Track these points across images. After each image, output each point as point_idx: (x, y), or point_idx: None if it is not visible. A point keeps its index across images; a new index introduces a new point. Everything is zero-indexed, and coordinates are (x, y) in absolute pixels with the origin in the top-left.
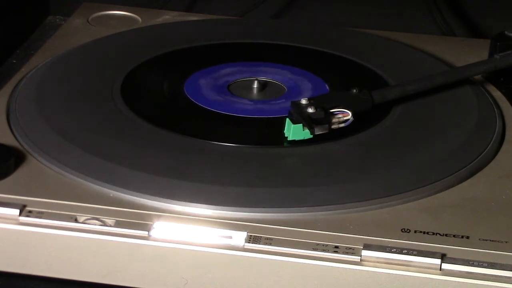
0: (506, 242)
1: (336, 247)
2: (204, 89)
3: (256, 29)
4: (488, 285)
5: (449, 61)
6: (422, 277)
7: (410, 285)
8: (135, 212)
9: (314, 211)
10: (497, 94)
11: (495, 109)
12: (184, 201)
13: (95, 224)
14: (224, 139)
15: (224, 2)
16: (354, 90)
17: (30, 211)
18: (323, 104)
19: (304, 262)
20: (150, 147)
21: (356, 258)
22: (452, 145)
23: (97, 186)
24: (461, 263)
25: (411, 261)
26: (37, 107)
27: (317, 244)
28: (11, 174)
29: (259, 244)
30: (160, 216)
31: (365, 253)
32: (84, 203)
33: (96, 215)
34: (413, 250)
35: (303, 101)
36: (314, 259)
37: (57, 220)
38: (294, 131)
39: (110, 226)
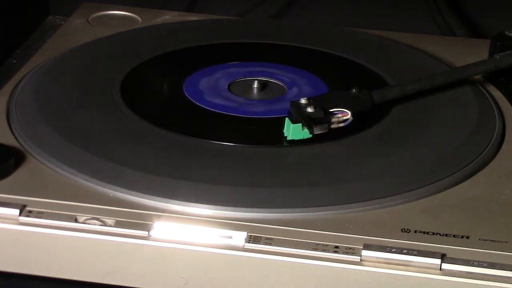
0: (506, 242)
1: (336, 247)
2: (204, 89)
3: (256, 29)
4: (488, 285)
5: (449, 61)
6: (422, 277)
7: (410, 285)
8: (135, 212)
9: (314, 211)
10: (497, 94)
11: (495, 109)
12: (184, 201)
13: (95, 224)
14: (224, 139)
15: (224, 2)
16: (354, 90)
17: (30, 211)
18: (323, 103)
19: (304, 262)
20: (150, 147)
21: (356, 258)
22: (452, 145)
23: (97, 186)
24: (461, 263)
25: (411, 261)
26: (37, 107)
27: (317, 244)
28: (11, 174)
29: (259, 244)
30: (160, 216)
31: (365, 253)
32: (84, 203)
33: (96, 215)
34: (413, 250)
35: (303, 101)
36: (314, 259)
37: (57, 220)
38: (293, 131)
39: (110, 226)
